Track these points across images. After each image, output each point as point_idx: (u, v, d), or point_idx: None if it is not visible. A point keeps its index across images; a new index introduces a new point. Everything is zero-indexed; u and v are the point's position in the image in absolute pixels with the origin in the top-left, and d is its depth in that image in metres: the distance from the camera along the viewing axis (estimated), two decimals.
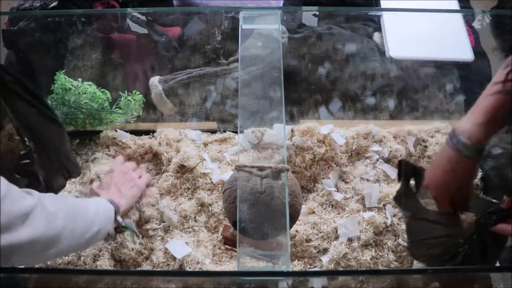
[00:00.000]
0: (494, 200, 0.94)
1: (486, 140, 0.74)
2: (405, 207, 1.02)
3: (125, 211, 1.12)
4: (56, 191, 1.07)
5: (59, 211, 0.83)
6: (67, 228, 0.84)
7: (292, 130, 1.32)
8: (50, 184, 1.02)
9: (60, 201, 0.87)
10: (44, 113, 1.00)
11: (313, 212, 1.19)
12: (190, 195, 1.23)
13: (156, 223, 1.19)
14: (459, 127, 0.77)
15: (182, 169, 1.25)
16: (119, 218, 1.07)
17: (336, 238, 1.16)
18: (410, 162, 0.98)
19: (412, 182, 1.00)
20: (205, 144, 1.33)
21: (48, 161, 1.00)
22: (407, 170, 0.98)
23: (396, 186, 1.25)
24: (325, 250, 1.15)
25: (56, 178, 1.04)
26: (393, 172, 1.26)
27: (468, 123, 0.75)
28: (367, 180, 1.25)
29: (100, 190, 1.14)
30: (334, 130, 1.31)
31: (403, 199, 1.00)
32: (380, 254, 1.14)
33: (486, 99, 0.75)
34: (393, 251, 1.14)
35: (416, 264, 1.12)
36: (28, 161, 0.94)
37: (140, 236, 1.16)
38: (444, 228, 0.94)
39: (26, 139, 0.93)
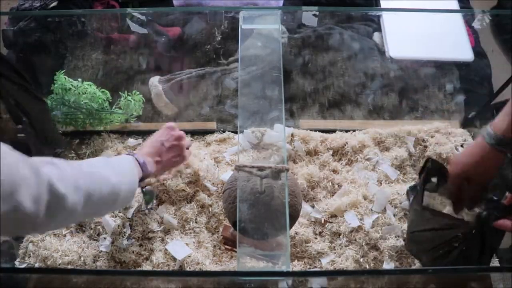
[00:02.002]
0: (494, 197, 0.95)
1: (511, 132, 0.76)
2: (414, 199, 1.03)
3: (156, 175, 1.09)
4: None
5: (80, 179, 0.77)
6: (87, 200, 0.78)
7: (292, 135, 1.33)
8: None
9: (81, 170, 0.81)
10: (28, 90, 1.00)
11: (328, 222, 1.19)
12: (190, 198, 1.23)
13: (157, 226, 1.19)
14: (494, 125, 0.81)
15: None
16: (142, 184, 1.03)
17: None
18: (437, 161, 0.97)
19: (434, 180, 0.99)
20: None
21: (35, 136, 1.00)
22: (432, 167, 0.98)
23: (396, 187, 1.25)
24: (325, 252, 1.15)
25: (44, 150, 1.05)
26: (393, 173, 1.26)
27: (498, 116, 0.80)
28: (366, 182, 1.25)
29: (142, 148, 1.09)
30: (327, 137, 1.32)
31: (416, 192, 1.01)
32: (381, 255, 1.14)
33: None
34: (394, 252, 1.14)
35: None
36: (23, 135, 0.96)
37: (153, 208, 1.15)
38: (442, 220, 0.94)
39: (20, 114, 0.94)
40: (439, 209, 0.98)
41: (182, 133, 1.13)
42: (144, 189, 1.09)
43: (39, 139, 1.03)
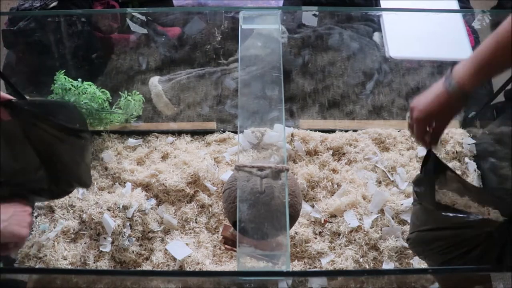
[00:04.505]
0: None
1: (473, 88, 0.84)
2: (420, 192, 0.98)
3: None
4: (58, 196, 1.09)
5: None
6: None
7: (292, 135, 1.33)
8: (55, 192, 1.04)
9: None
10: (67, 137, 1.01)
11: (328, 221, 1.19)
12: (190, 198, 1.24)
13: (157, 226, 1.19)
14: (456, 72, 0.85)
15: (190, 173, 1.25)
16: None
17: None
18: (437, 157, 0.95)
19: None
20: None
21: (57, 175, 1.01)
22: (433, 162, 0.95)
23: (395, 188, 1.25)
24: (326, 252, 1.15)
25: (64, 187, 1.05)
26: (392, 173, 1.26)
27: (463, 69, 0.84)
28: (365, 182, 1.25)
29: None
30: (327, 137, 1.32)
31: (422, 184, 0.97)
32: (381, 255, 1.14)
33: (483, 48, 0.82)
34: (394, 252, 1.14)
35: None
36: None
37: None
38: (462, 218, 0.89)
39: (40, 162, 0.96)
40: (451, 205, 0.93)
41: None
42: None
43: (63, 179, 1.04)
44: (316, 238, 1.17)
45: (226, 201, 0.93)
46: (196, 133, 1.38)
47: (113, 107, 1.32)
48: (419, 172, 1.25)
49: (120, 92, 1.33)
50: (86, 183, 1.10)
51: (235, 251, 1.10)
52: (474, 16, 1.33)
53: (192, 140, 1.37)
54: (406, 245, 1.15)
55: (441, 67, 1.40)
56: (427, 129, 0.91)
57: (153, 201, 1.22)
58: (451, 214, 0.91)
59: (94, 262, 1.13)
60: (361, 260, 1.13)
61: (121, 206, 1.17)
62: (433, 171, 0.93)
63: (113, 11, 1.47)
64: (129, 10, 1.32)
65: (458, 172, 1.24)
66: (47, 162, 0.98)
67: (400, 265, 1.13)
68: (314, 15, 1.35)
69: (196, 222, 1.20)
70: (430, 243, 0.96)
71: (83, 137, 1.05)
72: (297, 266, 1.13)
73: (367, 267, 1.12)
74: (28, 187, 0.98)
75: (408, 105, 1.41)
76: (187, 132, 1.38)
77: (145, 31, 1.33)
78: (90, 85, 1.29)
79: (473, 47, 1.39)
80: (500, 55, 0.81)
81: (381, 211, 1.19)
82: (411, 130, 0.94)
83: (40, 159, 0.97)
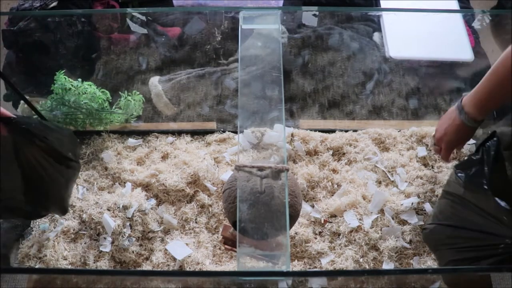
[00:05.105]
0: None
1: (485, 117, 0.98)
2: (464, 180, 0.93)
3: None
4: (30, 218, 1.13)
5: None
6: None
7: (292, 135, 1.33)
8: (29, 214, 1.06)
9: None
10: (57, 163, 1.02)
11: (328, 221, 1.19)
12: (190, 198, 1.24)
13: (157, 226, 1.19)
14: (467, 107, 0.97)
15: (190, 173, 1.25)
16: None
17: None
18: (500, 142, 0.93)
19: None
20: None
21: (37, 198, 1.02)
22: (493, 146, 0.91)
23: (394, 188, 1.25)
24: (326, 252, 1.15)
25: (40, 211, 1.06)
26: (392, 174, 1.26)
27: (470, 104, 0.96)
28: (365, 182, 1.25)
29: None
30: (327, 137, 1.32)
31: (467, 171, 0.93)
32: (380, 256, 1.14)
33: (485, 83, 0.93)
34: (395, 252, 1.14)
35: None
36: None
37: None
38: (490, 224, 0.86)
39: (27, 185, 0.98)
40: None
41: None
42: None
43: (42, 206, 1.05)
44: (316, 238, 1.17)
45: (226, 201, 0.93)
46: (196, 133, 1.38)
47: (113, 107, 1.32)
48: (419, 172, 1.26)
49: (120, 92, 1.33)
50: (62, 211, 1.12)
51: (235, 251, 1.10)
52: (474, 16, 1.33)
53: (192, 140, 1.37)
54: (406, 245, 1.15)
55: (441, 67, 1.40)
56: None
57: (153, 201, 1.22)
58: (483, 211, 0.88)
59: (94, 262, 1.13)
60: (361, 260, 1.13)
61: (121, 206, 1.17)
62: (492, 156, 0.91)
63: (113, 11, 1.47)
64: (129, 10, 1.32)
65: None
66: (30, 184, 0.99)
67: (400, 265, 1.13)
68: (314, 15, 1.35)
69: (196, 222, 1.20)
70: (447, 238, 0.95)
71: (71, 166, 1.07)
72: (297, 266, 1.13)
73: (367, 267, 1.12)
74: (3, 204, 0.99)
75: (408, 105, 1.42)
76: (187, 132, 1.38)
77: (145, 31, 1.33)
78: (90, 85, 1.29)
79: (473, 47, 1.39)
80: (499, 92, 0.90)
81: (381, 211, 1.19)
82: (440, 153, 1.11)
83: (23, 179, 0.98)
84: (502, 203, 0.85)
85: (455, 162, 1.29)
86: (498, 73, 0.89)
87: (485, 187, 0.89)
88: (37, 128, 0.97)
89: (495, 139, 0.92)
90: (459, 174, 0.95)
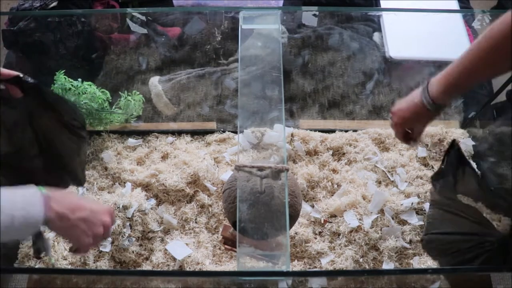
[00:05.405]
0: None
1: (446, 102, 0.90)
2: (438, 189, 0.99)
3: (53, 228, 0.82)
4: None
5: None
6: None
7: (292, 135, 1.33)
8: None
9: None
10: (72, 132, 1.00)
11: (328, 221, 1.19)
12: (190, 198, 1.24)
13: (157, 226, 1.19)
14: (431, 86, 0.91)
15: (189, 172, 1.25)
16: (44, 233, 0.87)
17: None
18: (461, 149, 0.95)
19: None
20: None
21: (52, 167, 0.99)
22: (454, 154, 0.95)
23: (394, 188, 1.25)
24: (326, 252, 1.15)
25: (58, 182, 1.03)
26: (392, 174, 1.27)
27: (437, 86, 0.90)
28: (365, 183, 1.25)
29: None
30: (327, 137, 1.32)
31: (440, 180, 0.98)
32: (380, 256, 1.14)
33: (452, 67, 0.90)
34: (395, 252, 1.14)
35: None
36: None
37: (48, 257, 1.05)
38: (472, 225, 0.92)
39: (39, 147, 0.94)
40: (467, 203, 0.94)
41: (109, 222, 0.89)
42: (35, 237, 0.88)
43: (57, 174, 1.02)
44: (316, 238, 1.17)
45: (226, 201, 0.93)
46: (196, 133, 1.38)
47: (113, 107, 1.32)
48: (419, 172, 1.26)
49: (120, 92, 1.33)
50: (80, 181, 1.08)
51: (235, 251, 1.10)
52: (474, 16, 1.33)
53: (192, 140, 1.37)
54: (406, 245, 1.15)
55: (441, 67, 1.40)
56: (407, 130, 0.98)
57: (153, 201, 1.22)
58: (463, 215, 0.93)
59: (94, 262, 1.13)
60: (361, 260, 1.13)
61: (121, 206, 1.17)
62: (455, 164, 0.94)
63: (113, 11, 1.47)
64: (129, 10, 1.32)
65: None
66: (44, 151, 0.95)
67: (400, 265, 1.13)
68: (314, 15, 1.35)
69: (196, 222, 1.20)
70: (442, 245, 0.98)
71: (81, 135, 1.03)
72: (297, 266, 1.13)
73: (367, 267, 1.12)
74: (27, 174, 0.95)
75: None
76: (187, 132, 1.38)
77: (145, 31, 1.33)
78: (90, 85, 1.29)
79: None
80: (464, 76, 0.87)
81: (381, 211, 1.19)
82: (393, 129, 1.01)
83: (38, 145, 0.94)
84: (473, 205, 0.93)
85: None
86: (464, 55, 0.87)
87: (456, 194, 0.95)
88: (48, 93, 0.94)
89: (456, 148, 0.94)
90: (435, 184, 0.99)
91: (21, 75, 0.88)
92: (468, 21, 1.39)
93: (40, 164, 0.97)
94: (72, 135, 1.01)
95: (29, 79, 0.89)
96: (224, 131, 1.38)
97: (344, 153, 1.32)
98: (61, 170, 1.02)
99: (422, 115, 0.93)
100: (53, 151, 0.97)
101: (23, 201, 0.77)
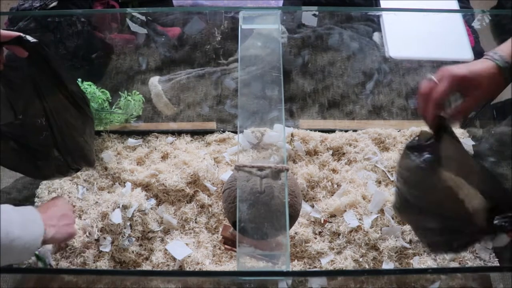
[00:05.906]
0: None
1: None
2: (412, 160, 0.84)
3: (48, 240, 0.96)
4: (66, 172, 1.04)
5: None
6: None
7: (292, 135, 1.33)
8: (62, 168, 1.01)
9: None
10: (77, 106, 0.97)
11: (328, 221, 1.19)
12: (190, 198, 1.24)
13: (157, 226, 1.19)
14: (498, 48, 0.78)
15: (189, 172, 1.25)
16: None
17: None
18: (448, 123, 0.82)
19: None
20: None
21: (61, 143, 0.96)
22: (441, 125, 0.82)
23: (394, 188, 1.25)
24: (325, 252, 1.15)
25: (69, 160, 1.00)
26: (391, 175, 1.27)
27: (505, 46, 0.77)
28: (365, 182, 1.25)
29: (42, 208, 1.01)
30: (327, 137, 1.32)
31: (416, 151, 0.84)
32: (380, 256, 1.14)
33: None
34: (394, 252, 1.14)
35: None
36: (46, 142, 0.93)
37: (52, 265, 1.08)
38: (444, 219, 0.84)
39: (49, 123, 0.91)
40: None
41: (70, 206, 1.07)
42: (37, 253, 1.01)
43: (67, 151, 0.99)
44: (316, 238, 1.17)
45: (226, 201, 0.93)
46: (196, 133, 1.38)
47: (113, 107, 1.32)
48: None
49: (120, 92, 1.33)
50: (90, 162, 1.06)
51: (235, 251, 1.10)
52: (474, 16, 1.33)
53: (192, 140, 1.37)
54: (406, 245, 1.15)
55: (441, 67, 1.40)
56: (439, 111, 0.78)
57: (153, 201, 1.22)
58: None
59: (94, 262, 1.13)
60: (361, 260, 1.13)
61: (121, 206, 1.16)
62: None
63: (113, 11, 1.48)
64: (129, 10, 1.32)
65: None
66: (52, 125, 0.92)
67: (400, 265, 1.13)
68: (314, 15, 1.35)
69: (196, 222, 1.20)
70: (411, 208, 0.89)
71: (88, 113, 1.01)
72: (297, 266, 1.13)
73: (367, 267, 1.12)
74: (33, 150, 0.92)
75: (408, 105, 1.42)
76: (187, 132, 1.38)
77: (145, 31, 1.33)
78: (90, 85, 1.29)
79: (473, 47, 1.39)
80: None
81: (381, 211, 1.19)
82: (423, 107, 0.81)
83: (45, 118, 0.91)
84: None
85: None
86: None
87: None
88: (49, 53, 0.91)
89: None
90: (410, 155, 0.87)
91: (22, 35, 0.87)
92: (468, 21, 1.39)
93: (49, 138, 0.93)
94: (80, 112, 0.97)
95: (30, 39, 0.87)
96: (224, 131, 1.38)
97: (344, 153, 1.32)
98: (70, 147, 0.98)
99: (489, 78, 0.75)
100: (61, 125, 0.93)
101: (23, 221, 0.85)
